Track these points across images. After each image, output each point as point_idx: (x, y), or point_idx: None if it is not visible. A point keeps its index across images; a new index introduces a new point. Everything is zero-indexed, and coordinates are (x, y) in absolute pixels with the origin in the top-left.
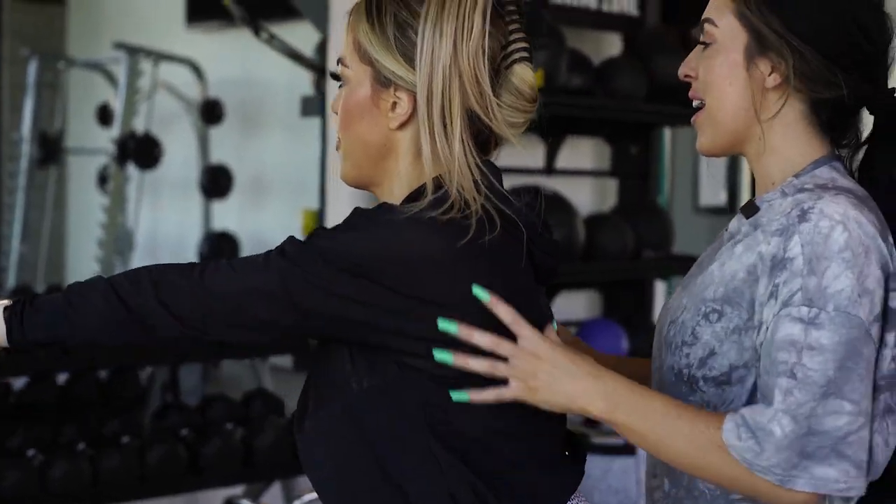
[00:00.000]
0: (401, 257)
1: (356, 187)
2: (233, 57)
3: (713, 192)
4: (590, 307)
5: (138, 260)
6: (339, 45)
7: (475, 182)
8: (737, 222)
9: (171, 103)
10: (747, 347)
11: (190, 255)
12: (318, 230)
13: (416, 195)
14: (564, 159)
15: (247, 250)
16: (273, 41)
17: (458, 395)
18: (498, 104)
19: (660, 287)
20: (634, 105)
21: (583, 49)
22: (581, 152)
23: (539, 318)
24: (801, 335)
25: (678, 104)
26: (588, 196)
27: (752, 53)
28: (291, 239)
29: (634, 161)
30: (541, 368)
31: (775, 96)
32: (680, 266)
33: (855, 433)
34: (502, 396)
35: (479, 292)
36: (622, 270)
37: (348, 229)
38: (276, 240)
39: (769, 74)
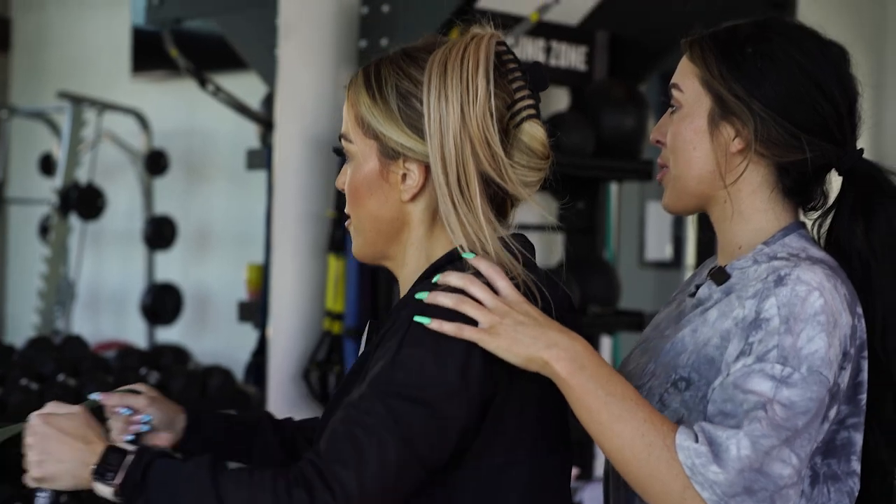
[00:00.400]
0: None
1: (370, 262)
2: (178, 107)
3: (658, 247)
4: None
5: (79, 311)
6: (285, 96)
7: (510, 251)
8: (707, 289)
9: (115, 153)
10: None
11: (132, 306)
12: (380, 362)
13: (442, 263)
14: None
15: (190, 302)
16: (219, 93)
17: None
18: (511, 165)
19: (606, 342)
20: (582, 160)
21: None
22: (528, 207)
23: (560, 410)
24: (771, 392)
25: (625, 159)
26: (535, 251)
27: (715, 118)
28: (358, 399)
29: (581, 216)
30: (511, 315)
31: (739, 160)
32: (626, 322)
33: (790, 488)
34: (461, 332)
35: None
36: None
37: (416, 350)
38: (220, 292)
39: (733, 139)
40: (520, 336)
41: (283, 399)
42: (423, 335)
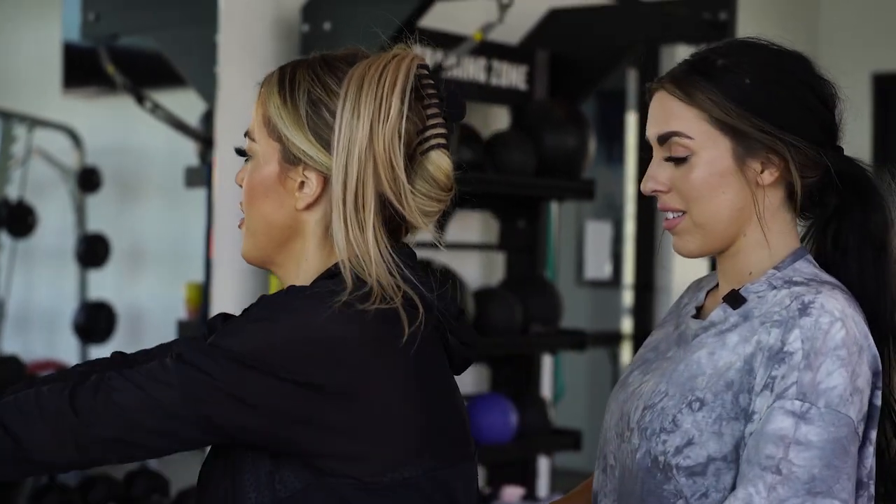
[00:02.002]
0: (316, 345)
1: (257, 266)
2: (112, 124)
3: (597, 266)
4: (478, 382)
5: (9, 331)
6: (225, 114)
7: (390, 272)
8: (721, 312)
9: (46, 170)
10: (727, 439)
11: (65, 325)
12: (223, 329)
13: (325, 277)
14: (452, 233)
15: (124, 321)
16: (157, 110)
17: None
18: (412, 191)
19: (547, 361)
20: (522, 179)
21: (471, 122)
22: (469, 226)
23: (455, 412)
24: (791, 429)
25: (566, 178)
26: (476, 270)
27: (740, 156)
28: (186, 341)
29: (522, 235)
30: None
31: (769, 190)
32: (568, 341)
33: None
34: None
35: None
36: (511, 345)
37: (253, 321)
38: (155, 311)
39: (760, 172)
40: None
41: None
42: (245, 319)
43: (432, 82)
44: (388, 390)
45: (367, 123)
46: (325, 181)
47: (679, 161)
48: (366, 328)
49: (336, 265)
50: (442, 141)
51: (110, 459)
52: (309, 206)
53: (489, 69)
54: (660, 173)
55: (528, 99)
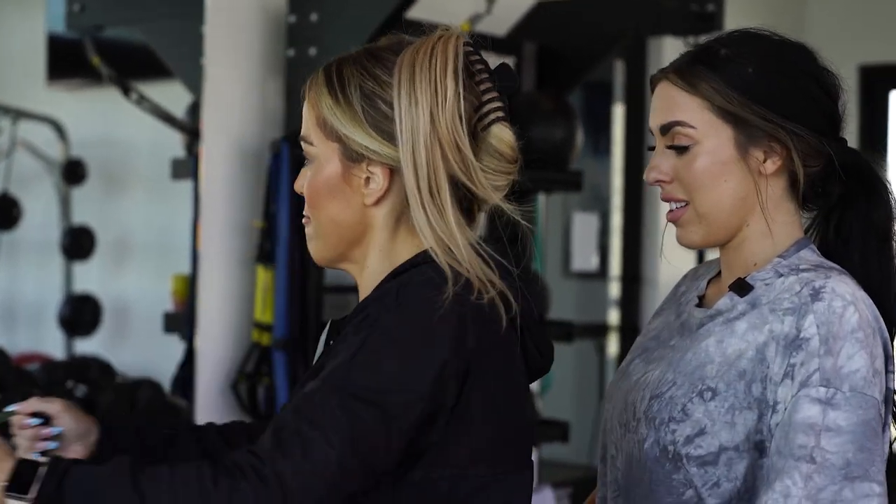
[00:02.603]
0: (439, 360)
1: (329, 266)
2: (97, 116)
3: (584, 257)
4: None
5: None
6: (212, 105)
7: (483, 259)
8: (728, 300)
9: (31, 162)
10: (739, 429)
11: (50, 317)
12: (337, 361)
13: (412, 265)
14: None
15: (110, 314)
16: (143, 102)
17: None
18: (481, 168)
19: None
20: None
21: None
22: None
23: (527, 425)
24: (820, 416)
25: (553, 170)
26: None
27: (743, 144)
28: (311, 393)
29: (509, 226)
30: None
31: (771, 179)
32: (555, 332)
33: None
34: None
35: None
36: None
37: (380, 349)
38: (141, 303)
39: (763, 161)
40: None
41: (212, 411)
42: (391, 339)
43: (479, 57)
44: (488, 389)
45: (427, 108)
46: (392, 173)
47: (681, 150)
48: (477, 323)
49: (423, 253)
50: (500, 114)
51: None
52: (378, 201)
53: None
54: (663, 163)
55: (515, 92)
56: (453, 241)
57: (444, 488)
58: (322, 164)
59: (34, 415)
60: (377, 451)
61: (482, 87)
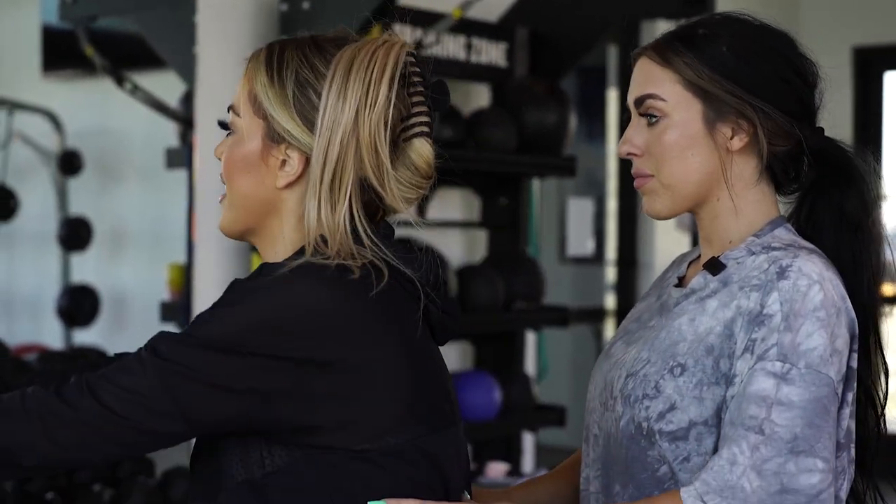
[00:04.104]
0: (289, 319)
1: (236, 238)
2: (92, 106)
3: (580, 242)
4: (462, 359)
5: None
6: (205, 94)
7: (359, 244)
8: (702, 279)
9: (27, 154)
10: (708, 404)
11: (48, 308)
12: (196, 318)
13: (297, 256)
14: (434, 211)
15: (108, 303)
16: (137, 92)
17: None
18: (395, 177)
19: (531, 338)
20: (504, 156)
21: (452, 100)
22: (451, 203)
23: (438, 379)
24: (773, 390)
25: (547, 155)
26: (458, 247)
27: (711, 120)
28: (161, 335)
29: (504, 212)
30: None
31: (739, 157)
32: (551, 317)
33: (826, 490)
34: None
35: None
36: (493, 322)
37: (225, 305)
38: (137, 293)
39: (730, 138)
40: None
41: None
42: (233, 302)
43: (419, 70)
44: (369, 356)
45: (353, 107)
46: (307, 161)
47: (652, 123)
48: (333, 289)
49: (304, 247)
50: (426, 129)
51: (92, 458)
52: (289, 185)
53: (469, 47)
54: (635, 136)
55: (508, 76)
56: (332, 233)
57: (334, 463)
58: (244, 139)
59: None
60: (153, 410)
61: (414, 100)
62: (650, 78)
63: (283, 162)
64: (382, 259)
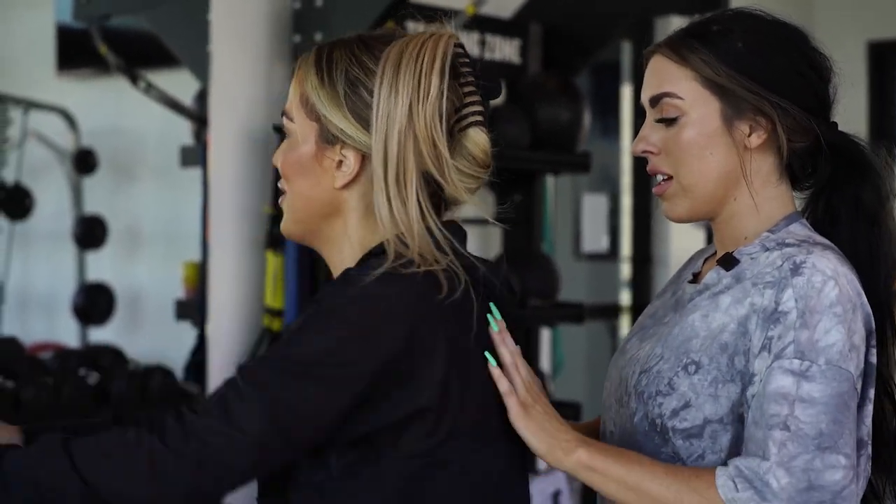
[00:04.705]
0: (380, 333)
1: (297, 241)
2: (106, 105)
3: (595, 239)
4: None
5: (8, 313)
6: (219, 92)
7: (437, 244)
8: (715, 274)
9: (42, 153)
10: (723, 401)
11: (64, 307)
12: (286, 337)
13: (371, 256)
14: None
15: (123, 302)
16: (151, 90)
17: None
18: (455, 167)
19: (546, 334)
20: (518, 153)
21: None
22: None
23: (489, 391)
24: (793, 387)
25: (561, 152)
26: (473, 244)
27: (729, 117)
28: (253, 362)
29: (518, 209)
30: (540, 404)
31: (757, 155)
32: (565, 314)
33: (848, 487)
34: (506, 390)
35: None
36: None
37: (314, 324)
38: (153, 291)
39: (748, 135)
40: (546, 425)
41: None
42: (331, 314)
43: (468, 61)
44: (444, 368)
45: (406, 101)
46: (364, 159)
47: (670, 122)
48: (410, 292)
49: (380, 244)
50: (479, 118)
51: (192, 497)
52: (347, 185)
53: (482, 43)
54: (651, 135)
55: (521, 73)
56: (409, 231)
57: (412, 466)
58: (298, 142)
59: None
60: (301, 425)
61: (466, 90)
62: (665, 76)
63: (340, 162)
64: (463, 264)
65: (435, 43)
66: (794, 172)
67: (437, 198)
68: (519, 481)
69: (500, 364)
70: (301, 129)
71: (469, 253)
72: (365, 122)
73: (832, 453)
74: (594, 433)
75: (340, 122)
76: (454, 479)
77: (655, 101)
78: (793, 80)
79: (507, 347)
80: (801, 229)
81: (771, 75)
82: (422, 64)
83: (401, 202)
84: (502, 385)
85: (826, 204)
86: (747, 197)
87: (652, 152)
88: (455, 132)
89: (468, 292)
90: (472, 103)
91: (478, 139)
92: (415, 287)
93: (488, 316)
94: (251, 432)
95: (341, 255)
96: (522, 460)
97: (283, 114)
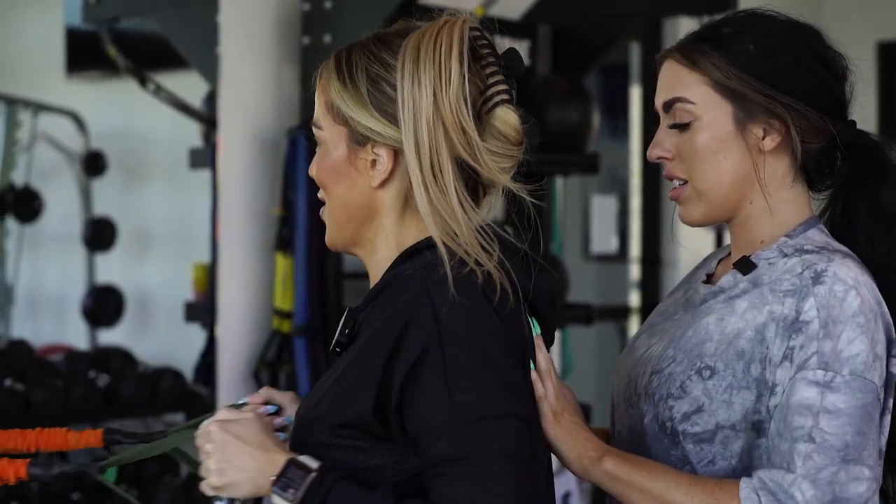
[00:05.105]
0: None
1: (341, 251)
2: (115, 107)
3: (604, 240)
4: None
5: (18, 315)
6: (228, 94)
7: (482, 245)
8: (731, 277)
9: (51, 155)
10: (736, 408)
11: (73, 309)
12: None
13: (412, 252)
14: None
15: (132, 304)
16: (160, 92)
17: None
18: (487, 150)
19: (555, 336)
20: (527, 154)
21: None
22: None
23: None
24: (818, 399)
25: (570, 153)
26: None
27: (741, 120)
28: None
29: (528, 210)
30: (568, 411)
31: (772, 158)
32: (575, 315)
33: (871, 499)
34: (541, 397)
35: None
36: None
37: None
38: (162, 293)
39: (762, 138)
40: (574, 433)
41: (234, 399)
42: (469, 349)
43: (486, 42)
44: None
45: (430, 90)
46: (397, 155)
47: (683, 127)
48: (482, 304)
49: (426, 239)
50: (505, 97)
51: None
52: (384, 183)
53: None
54: (665, 140)
55: (530, 74)
56: (455, 222)
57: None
58: (330, 148)
59: (266, 403)
60: (532, 455)
61: (488, 71)
62: (677, 81)
63: (373, 162)
64: (507, 275)
65: (450, 29)
66: (809, 174)
67: (474, 182)
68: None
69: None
70: (331, 135)
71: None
72: (392, 118)
73: (856, 465)
74: (605, 440)
75: (368, 121)
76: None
77: (668, 106)
78: (805, 81)
79: (543, 352)
80: (818, 235)
81: (782, 76)
82: (440, 51)
83: (440, 191)
84: (537, 389)
85: (844, 203)
86: (762, 200)
87: (666, 157)
88: (483, 114)
89: (517, 293)
90: (496, 83)
91: (507, 117)
92: (482, 294)
93: (531, 319)
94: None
95: (378, 257)
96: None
97: (313, 124)
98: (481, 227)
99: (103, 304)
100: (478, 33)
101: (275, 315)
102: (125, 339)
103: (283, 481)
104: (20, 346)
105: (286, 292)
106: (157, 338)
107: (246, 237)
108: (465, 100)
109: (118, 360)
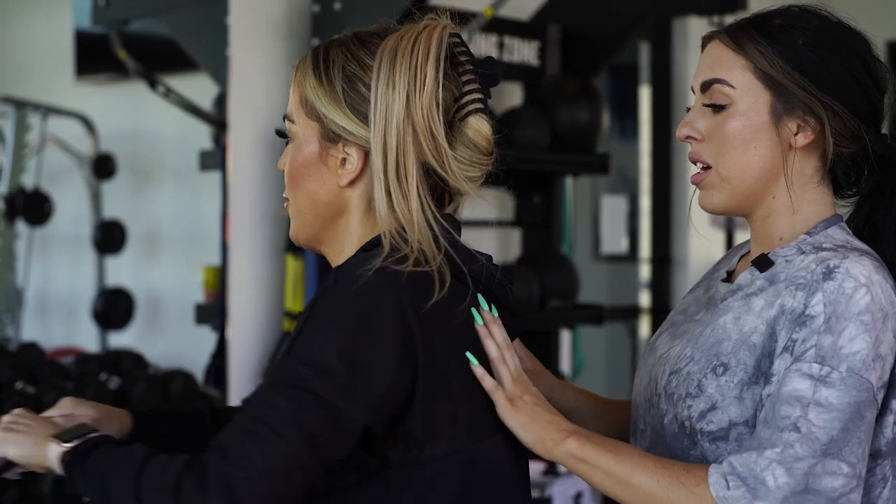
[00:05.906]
0: (376, 332)
1: (306, 246)
2: (125, 110)
3: (614, 240)
4: None
5: (28, 318)
6: (238, 96)
7: (435, 238)
8: (749, 275)
9: (61, 158)
10: (748, 404)
11: (84, 311)
12: (294, 339)
13: (363, 249)
14: (468, 210)
15: (143, 306)
16: (170, 95)
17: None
18: (455, 157)
19: (566, 336)
20: (537, 155)
21: None
22: (484, 203)
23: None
24: (809, 391)
25: (580, 153)
26: (492, 246)
27: (778, 113)
28: (277, 372)
29: (538, 210)
30: (528, 394)
31: (801, 155)
32: (585, 315)
33: (846, 496)
34: (492, 389)
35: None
36: (529, 321)
37: (316, 330)
38: (172, 295)
39: (795, 134)
40: (536, 416)
41: None
42: (328, 323)
43: (465, 49)
44: (434, 358)
45: (404, 94)
46: (366, 155)
47: (717, 109)
48: (403, 292)
49: (377, 237)
50: (479, 106)
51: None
52: (352, 182)
53: (501, 45)
54: (697, 120)
55: (540, 75)
56: (409, 224)
57: (415, 470)
58: (301, 144)
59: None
60: (326, 441)
61: (464, 79)
62: (720, 62)
63: (343, 160)
64: (452, 259)
65: (429, 34)
66: (836, 178)
67: (440, 190)
68: (519, 474)
69: (487, 358)
70: (303, 130)
71: (467, 247)
72: (365, 118)
73: (835, 459)
74: (625, 410)
75: (341, 119)
76: (440, 478)
77: (707, 86)
78: (849, 85)
79: (494, 340)
80: (839, 233)
81: (827, 76)
82: (417, 55)
83: (401, 195)
84: (486, 383)
85: (868, 217)
86: (786, 196)
87: (695, 138)
88: (455, 121)
89: (460, 286)
90: (471, 91)
91: (479, 126)
92: (405, 284)
93: (473, 310)
94: (280, 459)
95: (341, 255)
96: (525, 451)
97: (286, 117)
98: (437, 221)
99: (114, 307)
100: (457, 40)
101: (285, 317)
102: (136, 341)
103: (66, 433)
104: (31, 349)
105: (297, 294)
106: (167, 340)
107: (256, 239)
108: (438, 105)
109: (129, 362)
